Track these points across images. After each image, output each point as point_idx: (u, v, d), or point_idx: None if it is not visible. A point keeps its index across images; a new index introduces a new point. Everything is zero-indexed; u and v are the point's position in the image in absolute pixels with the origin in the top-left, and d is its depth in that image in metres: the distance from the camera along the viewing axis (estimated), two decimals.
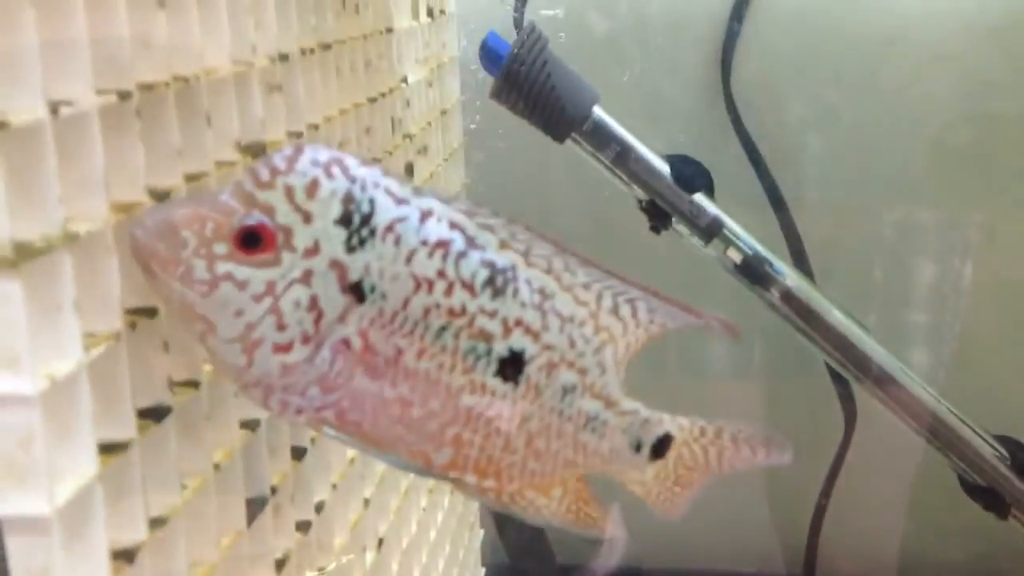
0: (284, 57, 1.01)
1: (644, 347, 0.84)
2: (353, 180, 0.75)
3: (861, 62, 1.89)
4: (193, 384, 0.84)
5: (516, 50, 1.46)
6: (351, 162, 0.76)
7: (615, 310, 0.82)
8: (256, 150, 0.95)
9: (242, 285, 0.73)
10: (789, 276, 1.59)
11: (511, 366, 0.80)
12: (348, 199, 0.74)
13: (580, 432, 0.83)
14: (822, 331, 1.58)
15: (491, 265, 0.78)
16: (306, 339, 0.75)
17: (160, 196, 0.80)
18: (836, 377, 1.78)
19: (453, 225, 0.78)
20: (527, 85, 1.47)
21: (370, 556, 1.23)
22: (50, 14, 0.68)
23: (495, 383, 0.80)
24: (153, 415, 0.78)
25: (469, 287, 0.77)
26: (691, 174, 1.54)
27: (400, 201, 0.76)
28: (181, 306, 0.74)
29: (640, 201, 1.59)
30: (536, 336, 0.80)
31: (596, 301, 0.82)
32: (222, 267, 0.73)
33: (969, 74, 1.84)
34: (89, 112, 0.72)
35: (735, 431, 0.89)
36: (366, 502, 1.23)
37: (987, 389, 1.86)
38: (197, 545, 0.84)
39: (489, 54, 1.52)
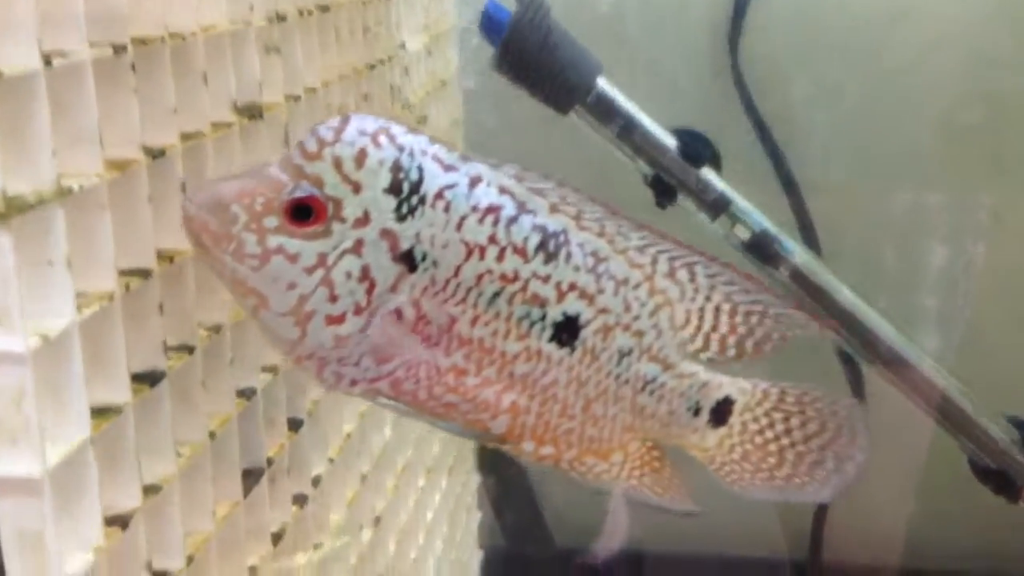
0: (282, 17, 0.98)
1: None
2: (401, 148, 0.74)
3: (868, 38, 1.87)
4: (188, 349, 0.82)
5: (518, 18, 1.43)
6: (398, 130, 0.75)
7: (671, 273, 0.81)
8: (253, 111, 0.93)
9: (293, 258, 0.73)
10: (798, 254, 1.57)
11: (566, 331, 0.79)
12: (397, 167, 0.74)
13: (638, 395, 0.82)
14: (831, 310, 1.56)
15: (542, 229, 0.78)
16: (359, 310, 0.75)
17: (155, 154, 0.78)
18: (844, 358, 1.75)
19: (503, 190, 0.77)
20: (529, 54, 1.44)
21: (367, 534, 1.21)
22: None
23: (551, 348, 0.79)
24: (147, 379, 0.76)
25: (521, 252, 0.77)
26: (698, 148, 1.51)
27: (448, 168, 0.76)
28: (233, 281, 0.74)
29: (645, 176, 1.57)
30: (591, 299, 0.79)
31: (651, 264, 0.81)
32: (273, 240, 0.73)
33: (977, 52, 1.82)
34: (83, 64, 0.70)
35: (799, 394, 0.86)
36: (363, 478, 1.21)
37: (997, 371, 1.84)
38: (192, 514, 0.82)
39: (490, 22, 1.48)
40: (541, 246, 0.78)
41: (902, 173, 1.89)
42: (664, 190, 1.54)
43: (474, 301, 0.77)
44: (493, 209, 0.76)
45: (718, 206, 1.55)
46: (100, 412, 0.71)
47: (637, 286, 0.81)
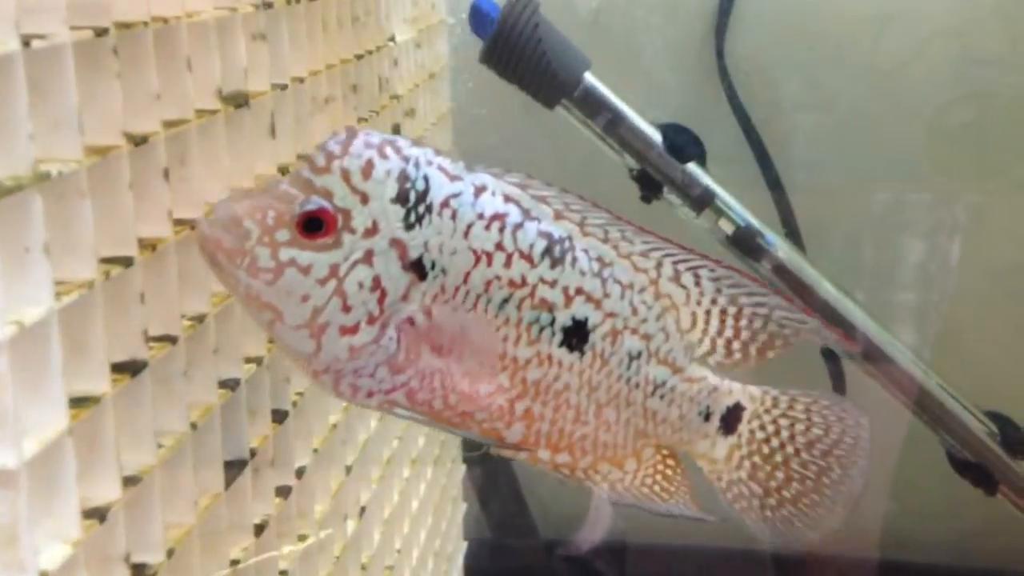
0: (268, 5, 0.97)
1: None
2: (407, 159, 0.76)
3: (854, 35, 1.87)
4: (170, 339, 0.81)
5: (507, 12, 1.42)
6: (403, 143, 0.77)
7: (676, 277, 0.82)
8: (239, 99, 0.91)
9: (306, 270, 0.74)
10: (781, 248, 1.57)
11: (576, 335, 0.80)
12: (403, 177, 0.76)
13: (648, 399, 0.83)
14: (813, 304, 1.56)
15: (548, 235, 0.79)
16: (371, 319, 0.76)
17: (138, 141, 0.76)
18: (826, 353, 1.76)
19: (508, 198, 0.79)
20: (517, 48, 1.44)
21: (351, 525, 1.21)
22: None
23: (561, 353, 0.80)
24: (128, 369, 0.75)
25: (528, 258, 0.78)
26: (684, 143, 1.52)
27: (454, 177, 0.77)
28: (247, 296, 0.75)
29: (631, 170, 1.57)
30: (598, 304, 0.80)
31: (656, 268, 0.82)
32: (285, 253, 0.74)
33: (969, 51, 1.82)
34: (63, 47, 0.68)
35: (808, 402, 0.87)
36: (348, 469, 1.20)
37: (976, 365, 1.86)
38: (173, 507, 0.81)
39: (479, 16, 1.48)
40: (547, 251, 0.79)
41: (887, 171, 1.90)
42: (650, 184, 1.54)
43: (484, 307, 0.78)
44: (499, 216, 0.78)
45: (703, 200, 1.55)
46: (78, 402, 0.70)
47: (643, 290, 0.82)
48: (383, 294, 0.76)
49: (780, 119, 1.88)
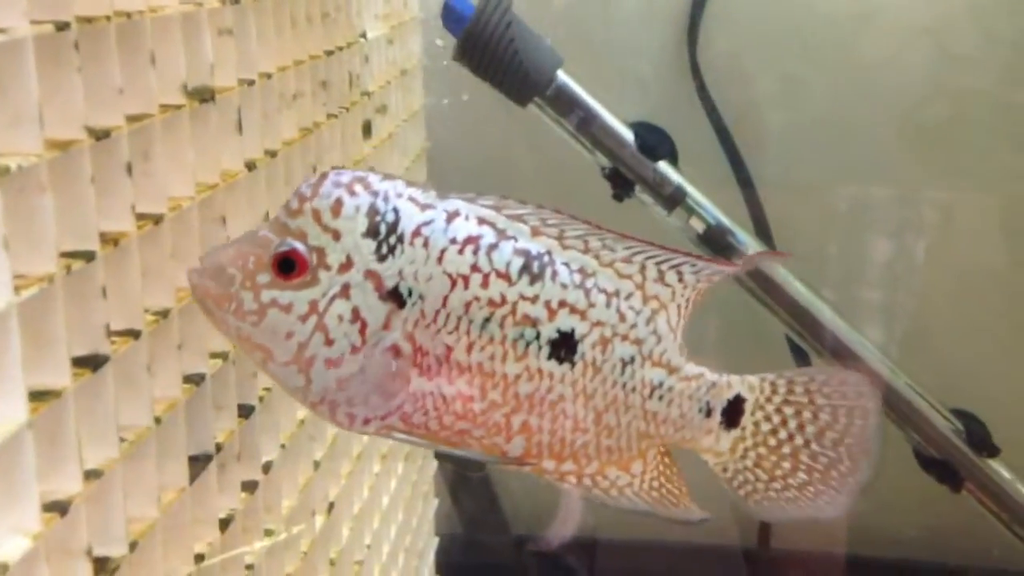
0: (235, 0, 0.97)
1: (696, 308, 0.84)
2: (375, 194, 0.79)
3: (827, 33, 1.88)
4: (133, 334, 0.81)
5: (480, 10, 1.43)
6: (373, 178, 0.80)
7: (661, 278, 0.84)
8: (204, 94, 0.91)
9: (287, 308, 0.78)
10: (751, 247, 1.59)
11: (564, 347, 0.82)
12: (373, 212, 0.79)
13: (647, 402, 0.84)
14: (783, 303, 1.58)
15: (525, 253, 0.81)
16: (355, 350, 0.79)
17: (100, 135, 0.76)
18: (795, 350, 1.78)
19: (481, 221, 0.80)
20: (490, 46, 1.44)
21: (320, 520, 1.21)
22: None
23: (551, 366, 0.81)
24: (89, 363, 0.75)
25: (505, 276, 0.80)
26: (655, 142, 1.53)
27: (424, 207, 0.80)
28: (239, 338, 0.79)
29: (603, 168, 1.57)
30: (583, 314, 0.82)
31: (640, 272, 0.83)
32: (267, 295, 0.78)
33: (942, 50, 1.84)
34: (23, 41, 0.68)
35: (805, 380, 0.87)
36: (316, 464, 1.20)
37: (943, 364, 1.88)
38: (135, 501, 0.81)
39: (452, 14, 1.48)
40: (525, 268, 0.81)
41: (857, 171, 1.92)
42: (622, 183, 1.55)
43: (466, 328, 0.80)
44: (472, 239, 0.80)
45: (674, 199, 1.56)
46: (38, 395, 0.70)
47: (629, 296, 0.83)
48: (363, 324, 0.79)
49: (752, 118, 1.90)
